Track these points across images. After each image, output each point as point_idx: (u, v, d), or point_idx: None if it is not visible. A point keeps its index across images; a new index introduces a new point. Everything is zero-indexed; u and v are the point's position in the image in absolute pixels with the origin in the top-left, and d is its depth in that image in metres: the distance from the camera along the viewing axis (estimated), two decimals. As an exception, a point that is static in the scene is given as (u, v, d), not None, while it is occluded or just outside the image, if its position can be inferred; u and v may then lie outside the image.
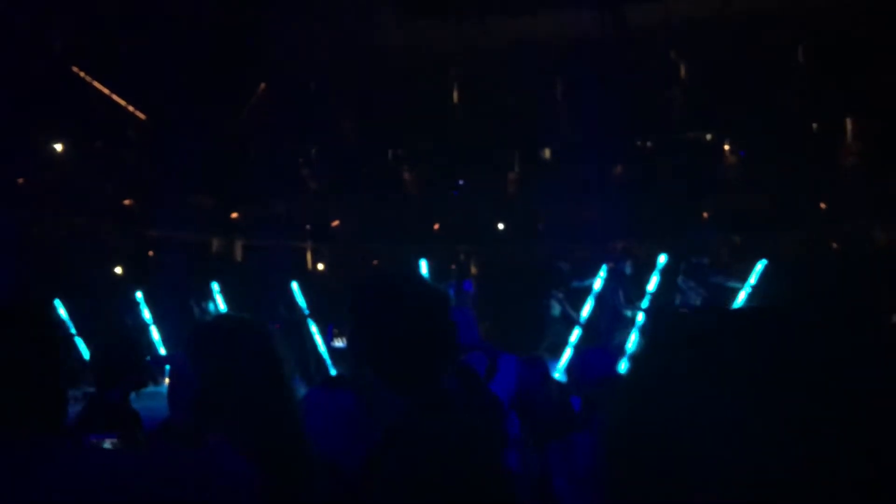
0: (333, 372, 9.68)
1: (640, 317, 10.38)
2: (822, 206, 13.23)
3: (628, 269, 11.20)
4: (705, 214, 13.27)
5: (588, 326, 10.59)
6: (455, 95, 14.80)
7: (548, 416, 4.60)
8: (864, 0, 11.95)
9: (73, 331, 8.80)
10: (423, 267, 10.24)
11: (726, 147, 14.03)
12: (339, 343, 10.37)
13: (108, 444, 2.72)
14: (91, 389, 3.82)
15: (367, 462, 1.52)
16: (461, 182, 14.19)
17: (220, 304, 9.90)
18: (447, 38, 13.78)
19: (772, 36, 12.97)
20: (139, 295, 9.80)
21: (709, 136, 14.27)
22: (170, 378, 2.06)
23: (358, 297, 1.63)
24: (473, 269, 12.27)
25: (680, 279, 10.76)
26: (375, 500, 1.43)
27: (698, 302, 10.66)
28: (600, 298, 10.68)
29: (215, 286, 9.84)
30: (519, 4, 13.06)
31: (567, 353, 9.77)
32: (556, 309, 10.85)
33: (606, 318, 10.61)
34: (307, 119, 13.68)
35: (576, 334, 10.39)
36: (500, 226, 14.06)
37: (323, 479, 2.10)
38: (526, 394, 4.93)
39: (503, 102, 13.81)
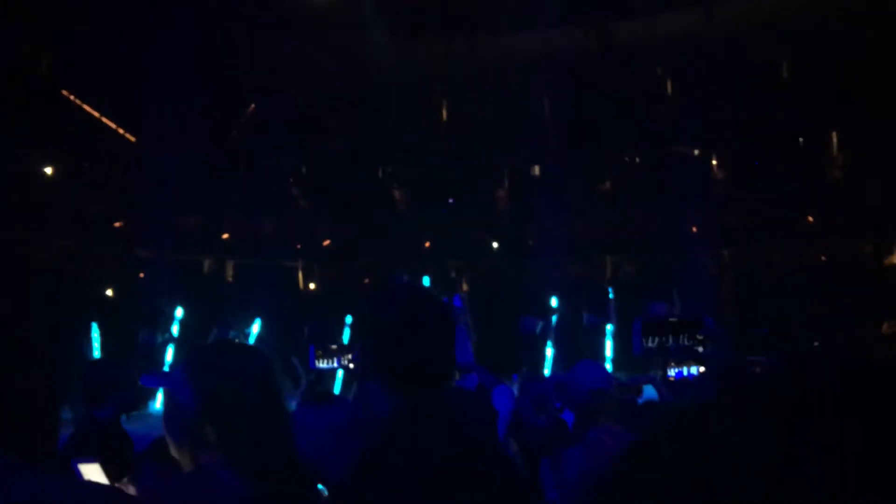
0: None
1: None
2: (810, 219, 13.33)
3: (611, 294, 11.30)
4: (694, 228, 13.34)
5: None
6: (444, 112, 14.87)
7: (541, 436, 4.62)
8: (849, 15, 12.08)
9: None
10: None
11: (713, 161, 14.13)
12: (322, 364, 10.31)
13: (89, 469, 2.71)
14: (83, 411, 3.82)
15: (363, 456, 1.54)
16: (451, 200, 14.22)
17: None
18: (436, 55, 13.86)
19: (757, 51, 13.10)
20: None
21: (696, 151, 14.37)
22: (165, 398, 2.06)
23: (372, 304, 1.68)
24: (464, 286, 12.28)
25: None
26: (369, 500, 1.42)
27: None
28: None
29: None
30: (507, 22, 13.16)
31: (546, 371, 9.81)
32: (539, 326, 10.87)
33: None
34: (296, 137, 13.71)
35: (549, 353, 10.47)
36: (495, 244, 14.10)
37: (316, 495, 2.10)
38: (520, 416, 4.95)
39: (492, 119, 13.88)
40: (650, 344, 6.28)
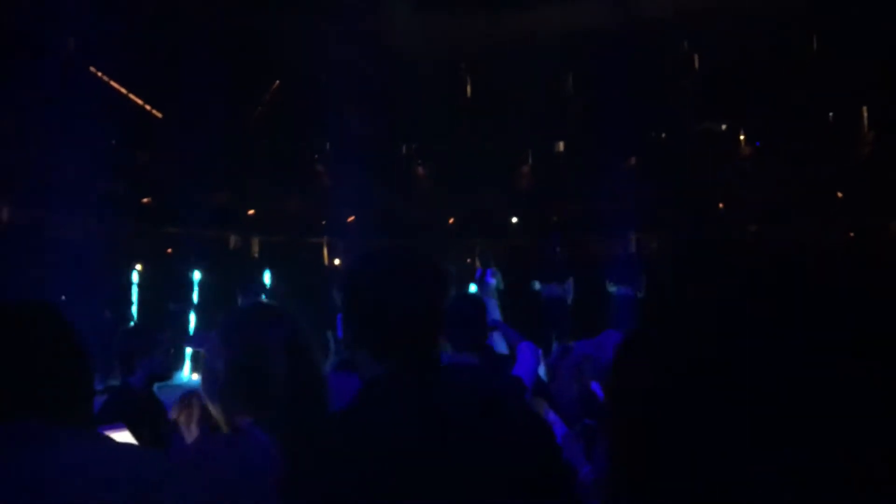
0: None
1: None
2: (839, 195, 13.16)
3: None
4: (720, 205, 13.22)
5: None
6: (468, 89, 14.81)
7: (575, 407, 4.61)
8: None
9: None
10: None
11: (741, 138, 13.97)
12: None
13: (118, 436, 2.76)
14: (114, 382, 3.88)
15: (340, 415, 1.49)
16: (475, 177, 14.22)
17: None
18: (459, 31, 13.78)
19: (786, 25, 12.89)
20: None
21: (723, 127, 14.21)
22: (204, 364, 2.08)
23: (350, 273, 1.62)
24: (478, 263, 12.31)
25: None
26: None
27: None
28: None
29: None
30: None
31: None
32: (562, 292, 10.83)
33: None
34: (320, 115, 13.73)
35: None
36: (514, 219, 14.07)
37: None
38: (553, 383, 4.95)
39: (516, 95, 13.80)
40: None
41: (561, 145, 14.52)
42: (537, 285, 10.91)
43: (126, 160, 12.27)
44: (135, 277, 10.05)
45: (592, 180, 12.87)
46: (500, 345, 6.14)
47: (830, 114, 13.63)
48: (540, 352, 4.94)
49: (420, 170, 14.18)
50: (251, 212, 13.37)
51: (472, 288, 10.36)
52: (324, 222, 13.76)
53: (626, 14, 13.37)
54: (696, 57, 14.19)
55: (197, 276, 10.53)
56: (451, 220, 13.91)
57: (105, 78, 12.18)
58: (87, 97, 11.56)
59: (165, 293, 10.23)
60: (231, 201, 13.11)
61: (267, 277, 11.37)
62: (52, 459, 1.35)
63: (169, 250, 11.55)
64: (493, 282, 11.10)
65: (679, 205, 12.79)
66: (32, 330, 1.49)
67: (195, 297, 10.33)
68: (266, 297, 11.12)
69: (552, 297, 10.73)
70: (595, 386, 4.97)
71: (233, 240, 12.28)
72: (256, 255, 12.59)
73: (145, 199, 12.27)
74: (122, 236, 11.53)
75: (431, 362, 1.52)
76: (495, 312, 9.40)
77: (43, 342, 1.48)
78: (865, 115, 13.23)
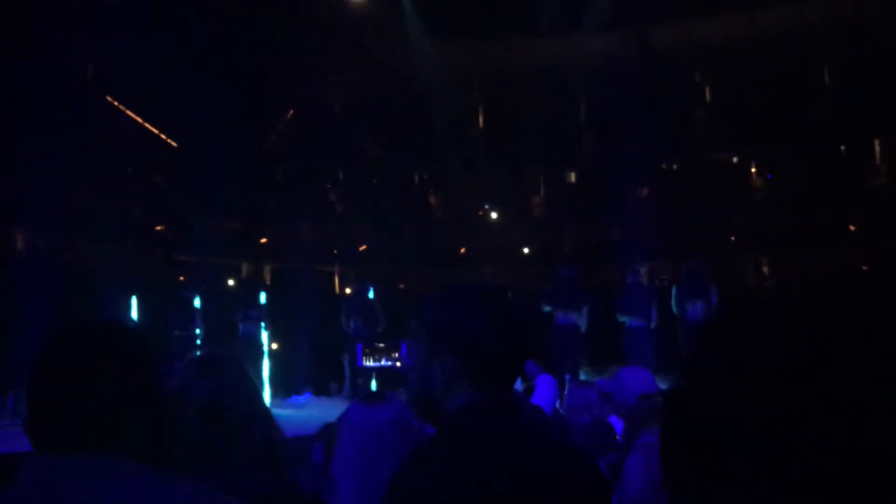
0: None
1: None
2: (852, 228, 13.14)
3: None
4: (733, 237, 13.21)
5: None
6: (480, 118, 14.90)
7: (585, 436, 4.61)
8: (893, 18, 11.91)
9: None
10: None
11: (753, 169, 13.99)
12: (369, 363, 10.51)
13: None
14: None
15: (419, 450, 1.52)
16: (486, 206, 14.25)
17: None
18: (473, 60, 13.90)
19: (798, 56, 12.96)
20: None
21: (735, 158, 14.24)
22: None
23: (457, 305, 1.62)
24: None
25: None
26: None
27: None
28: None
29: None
30: (544, 27, 13.16)
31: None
32: (575, 320, 10.79)
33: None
34: (334, 143, 13.82)
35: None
36: (526, 249, 14.09)
37: None
38: (567, 416, 4.95)
39: (528, 124, 13.88)
40: None
41: (573, 175, 14.56)
42: (548, 308, 10.87)
43: (140, 188, 12.37)
44: (134, 304, 10.06)
45: (604, 209, 12.89)
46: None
47: (842, 147, 13.65)
48: (556, 384, 4.94)
49: (432, 198, 14.23)
50: (264, 240, 13.42)
51: None
52: (335, 251, 13.80)
53: (639, 44, 13.47)
54: (707, 88, 14.26)
55: (198, 303, 10.53)
56: (463, 250, 13.93)
57: (121, 107, 12.30)
58: (104, 125, 11.69)
59: (172, 320, 10.21)
60: (243, 229, 13.18)
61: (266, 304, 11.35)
62: (119, 497, 1.26)
63: (181, 278, 11.58)
64: None
65: (690, 235, 12.78)
66: (117, 353, 1.39)
67: (199, 325, 10.32)
68: (266, 326, 11.13)
69: (567, 324, 10.69)
70: (613, 419, 4.96)
71: (245, 267, 12.31)
72: (268, 282, 12.62)
73: (158, 227, 12.34)
74: (132, 262, 11.58)
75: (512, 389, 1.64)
76: None
77: (126, 368, 1.38)
78: (878, 147, 13.24)
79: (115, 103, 12.21)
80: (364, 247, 13.97)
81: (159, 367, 1.46)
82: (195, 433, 1.85)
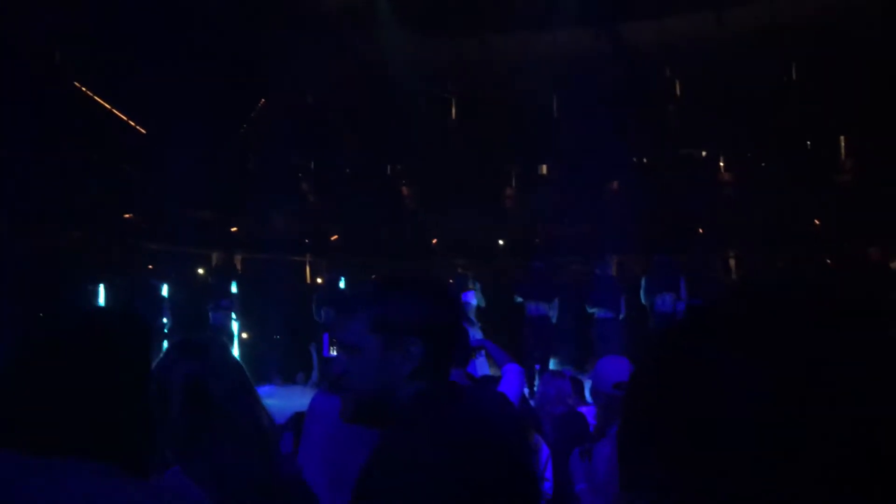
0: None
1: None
2: (817, 222, 13.36)
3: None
4: (700, 230, 13.37)
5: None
6: (454, 111, 14.91)
7: (559, 426, 4.67)
8: (860, 19, 12.12)
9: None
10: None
11: (721, 164, 14.17)
12: (335, 352, 10.48)
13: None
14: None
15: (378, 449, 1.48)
16: (459, 198, 14.28)
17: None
18: (446, 54, 13.90)
19: (767, 54, 13.13)
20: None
21: (703, 153, 14.41)
22: None
23: (422, 301, 1.61)
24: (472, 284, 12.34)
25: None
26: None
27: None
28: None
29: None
30: (517, 22, 13.19)
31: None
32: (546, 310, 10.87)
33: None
34: (307, 133, 13.74)
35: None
36: (500, 241, 14.14)
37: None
38: (541, 406, 5.01)
39: (501, 118, 13.92)
40: None
41: (545, 168, 14.64)
42: (519, 299, 10.95)
43: (108, 174, 12.21)
44: (101, 293, 9.94)
45: (575, 203, 12.98)
46: (482, 368, 6.18)
47: (808, 143, 13.87)
48: (523, 373, 5.00)
49: (405, 190, 14.22)
50: (235, 229, 13.33)
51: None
52: (307, 240, 13.74)
53: (611, 41, 13.57)
54: (678, 83, 14.41)
55: (168, 291, 10.44)
56: (434, 241, 13.94)
57: (90, 93, 12.13)
58: (73, 111, 11.52)
59: (139, 310, 10.09)
60: (214, 218, 13.07)
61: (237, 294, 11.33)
62: (57, 499, 1.19)
63: (150, 266, 11.47)
64: (473, 303, 11.14)
65: (659, 228, 12.91)
66: (114, 351, 1.31)
67: (167, 315, 10.23)
68: (237, 315, 11.07)
69: (538, 315, 10.78)
70: (585, 410, 5.03)
71: (215, 256, 12.22)
72: (239, 271, 12.54)
73: (127, 214, 12.20)
74: (98, 250, 11.43)
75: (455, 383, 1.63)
76: (476, 334, 9.43)
77: (123, 368, 1.31)
78: (843, 143, 13.47)
79: (84, 89, 12.03)
80: (336, 237, 13.93)
81: (149, 361, 1.40)
82: (180, 415, 1.82)
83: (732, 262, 13.98)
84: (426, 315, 1.53)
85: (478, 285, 11.66)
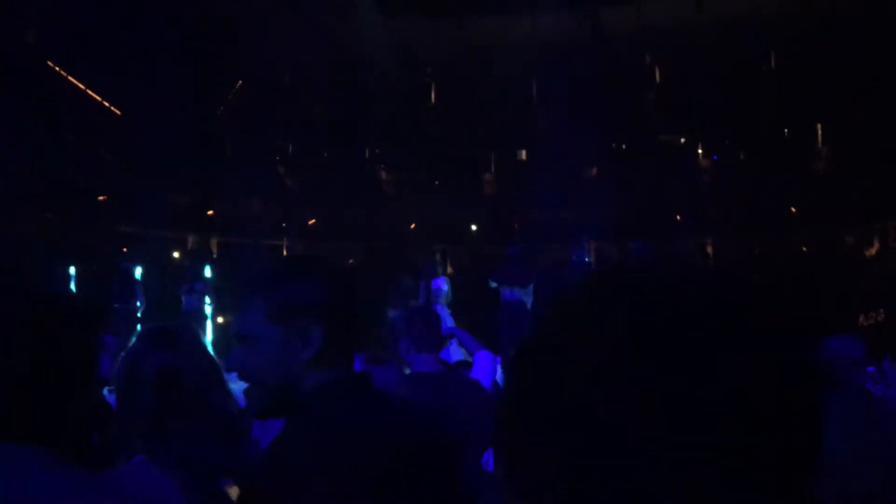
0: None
1: None
2: (793, 210, 13.44)
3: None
4: (678, 217, 13.42)
5: None
6: (432, 95, 14.84)
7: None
8: (838, 7, 12.16)
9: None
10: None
11: (699, 151, 14.20)
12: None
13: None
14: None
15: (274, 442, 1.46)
16: (437, 182, 14.24)
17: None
18: (424, 37, 13.82)
19: (744, 42, 13.15)
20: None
21: (682, 140, 14.43)
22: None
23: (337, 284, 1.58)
24: (449, 269, 12.31)
25: None
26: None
27: None
28: None
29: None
30: (495, 6, 13.13)
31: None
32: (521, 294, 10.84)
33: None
34: (283, 117, 13.65)
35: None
36: (473, 227, 14.13)
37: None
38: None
39: (480, 103, 13.87)
40: None
41: (523, 153, 14.61)
42: (494, 285, 10.92)
43: (83, 156, 12.09)
44: (72, 274, 9.86)
45: (554, 188, 12.97)
46: (456, 355, 6.17)
47: (785, 130, 13.92)
48: (499, 359, 4.98)
49: (383, 174, 14.16)
50: (210, 212, 13.24)
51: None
52: (284, 224, 13.68)
53: (591, 26, 13.54)
54: (657, 70, 14.40)
55: (141, 275, 10.35)
56: (413, 226, 13.91)
57: (63, 73, 11.98)
58: (46, 91, 11.38)
59: (112, 293, 9.99)
60: (190, 201, 12.99)
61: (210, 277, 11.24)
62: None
63: (124, 249, 11.37)
64: (445, 289, 11.07)
65: (636, 215, 12.95)
66: (39, 331, 1.28)
67: (140, 298, 10.14)
68: (211, 299, 11.00)
69: (513, 300, 10.77)
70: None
71: (191, 240, 12.15)
72: (215, 255, 12.47)
73: (101, 197, 12.09)
74: (73, 232, 11.33)
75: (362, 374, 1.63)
76: (448, 321, 9.41)
77: (47, 347, 1.28)
78: (819, 131, 13.54)
79: (57, 69, 11.88)
80: (313, 221, 13.87)
81: (95, 345, 1.40)
82: (151, 404, 1.82)
83: (709, 248, 14.05)
84: (325, 298, 1.48)
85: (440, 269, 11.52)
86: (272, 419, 2.31)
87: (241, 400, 1.99)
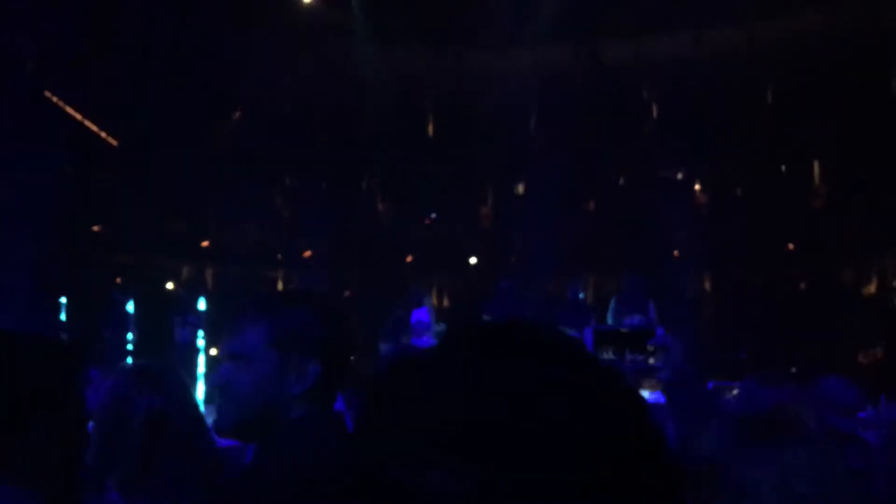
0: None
1: None
2: (791, 246, 13.41)
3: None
4: (675, 252, 13.37)
5: None
6: (430, 127, 14.88)
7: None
8: (835, 43, 12.23)
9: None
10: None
11: (697, 186, 14.20)
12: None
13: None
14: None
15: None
16: (434, 215, 14.22)
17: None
18: (423, 69, 13.88)
19: (742, 77, 13.22)
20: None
21: (679, 175, 14.44)
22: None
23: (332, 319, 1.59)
24: (435, 301, 12.22)
25: None
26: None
27: None
28: None
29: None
30: (495, 38, 13.20)
31: None
32: None
33: None
34: (280, 146, 13.65)
35: None
36: (473, 260, 14.09)
37: None
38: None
39: (478, 135, 13.90)
40: (605, 355, 6.62)
41: (521, 187, 14.62)
42: (487, 318, 10.83)
43: (78, 186, 12.06)
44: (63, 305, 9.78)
45: (551, 221, 12.93)
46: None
47: (783, 167, 13.95)
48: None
49: (380, 205, 14.15)
50: (205, 243, 13.19)
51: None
52: (279, 255, 13.62)
53: (589, 58, 13.61)
54: (654, 104, 14.46)
55: (133, 307, 10.27)
56: (410, 258, 13.86)
57: (60, 103, 11.99)
58: (43, 122, 11.38)
59: (103, 324, 9.92)
60: (185, 230, 12.94)
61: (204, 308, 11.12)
62: None
63: (118, 279, 11.30)
64: (426, 321, 10.92)
65: (633, 249, 12.91)
66: (29, 380, 1.31)
67: (132, 329, 10.05)
68: (204, 331, 10.88)
69: None
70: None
71: (185, 270, 12.08)
72: (209, 286, 12.39)
73: (96, 227, 12.04)
74: (64, 262, 11.26)
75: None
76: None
77: (44, 391, 1.31)
78: (817, 167, 13.56)
79: (55, 99, 11.90)
80: (309, 252, 13.81)
81: (78, 389, 1.39)
82: (138, 447, 1.82)
83: (707, 284, 14.00)
84: (328, 337, 1.48)
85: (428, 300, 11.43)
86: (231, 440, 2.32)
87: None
